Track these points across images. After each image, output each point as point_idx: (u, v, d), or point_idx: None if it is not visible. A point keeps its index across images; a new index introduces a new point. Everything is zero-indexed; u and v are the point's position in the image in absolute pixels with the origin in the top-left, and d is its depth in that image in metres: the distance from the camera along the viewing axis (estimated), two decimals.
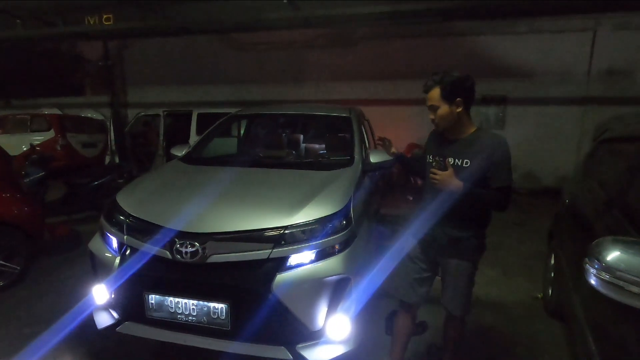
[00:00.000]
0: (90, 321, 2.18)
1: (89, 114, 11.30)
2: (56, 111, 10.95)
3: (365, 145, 3.20)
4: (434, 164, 1.74)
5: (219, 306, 1.84)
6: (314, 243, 1.91)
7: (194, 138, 7.69)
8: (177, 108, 8.94)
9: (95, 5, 5.60)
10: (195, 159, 2.99)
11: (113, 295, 2.05)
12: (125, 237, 2.04)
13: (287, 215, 1.95)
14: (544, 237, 3.55)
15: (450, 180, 1.61)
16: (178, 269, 1.90)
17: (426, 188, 1.88)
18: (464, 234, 1.74)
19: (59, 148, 9.12)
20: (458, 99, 1.66)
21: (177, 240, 1.88)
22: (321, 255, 1.92)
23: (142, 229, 2.02)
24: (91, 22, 5.82)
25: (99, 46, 10.90)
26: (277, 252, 1.86)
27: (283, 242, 1.89)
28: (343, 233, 1.99)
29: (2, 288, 3.18)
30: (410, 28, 8.50)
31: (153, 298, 1.93)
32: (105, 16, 5.72)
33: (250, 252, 1.86)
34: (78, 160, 9.38)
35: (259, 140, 3.76)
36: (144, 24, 6.22)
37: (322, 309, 1.88)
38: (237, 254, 1.86)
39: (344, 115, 3.38)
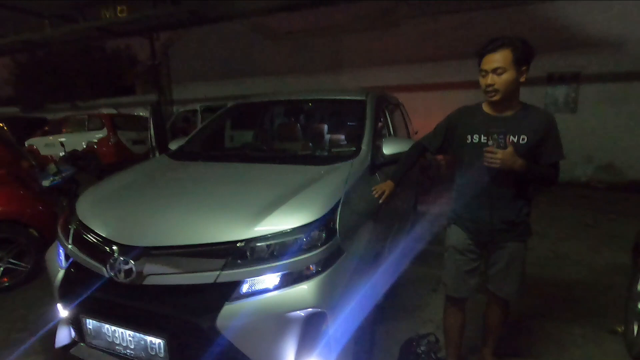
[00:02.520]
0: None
1: (140, 112, 11.92)
2: (112, 111, 11.67)
3: (379, 134, 2.61)
4: (490, 142, 1.52)
5: (156, 341, 1.45)
6: (278, 264, 1.43)
7: (228, 132, 7.60)
8: (215, 102, 8.93)
9: None
10: (185, 153, 2.65)
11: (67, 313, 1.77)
12: (69, 246, 1.74)
13: (246, 225, 1.49)
14: (626, 245, 2.67)
15: (513, 159, 1.48)
16: (116, 290, 1.54)
17: (467, 171, 1.69)
18: (518, 215, 1.65)
19: (111, 144, 9.75)
20: (524, 67, 1.53)
21: (115, 254, 1.52)
22: (288, 280, 1.44)
23: (84, 238, 1.69)
24: (107, 15, 5.88)
25: (147, 46, 11.32)
26: (227, 274, 1.41)
27: (237, 262, 1.43)
28: (321, 250, 1.48)
29: (11, 287, 3.16)
30: (460, 1, 7.50)
31: (90, 323, 1.60)
32: (119, 8, 5.73)
33: (193, 274, 1.43)
34: (128, 156, 9.89)
35: (261, 132, 3.34)
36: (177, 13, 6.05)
37: (287, 353, 1.40)
38: (176, 275, 1.45)
39: (359, 98, 2.81)
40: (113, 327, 1.53)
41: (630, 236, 2.51)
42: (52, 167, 5.07)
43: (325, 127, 3.14)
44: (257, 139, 3.23)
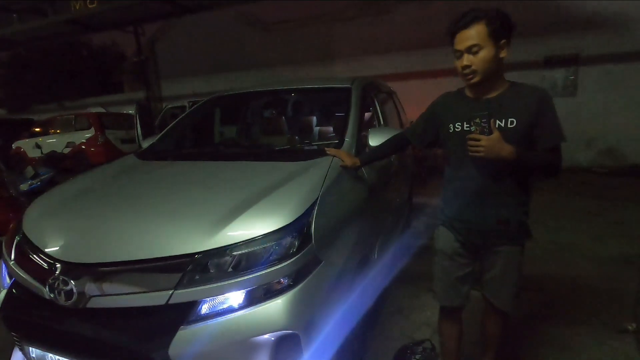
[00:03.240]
0: None
1: (129, 110, 11.64)
2: (100, 110, 11.40)
3: (366, 125, 2.39)
4: (473, 128, 1.32)
5: None
6: (241, 279, 1.22)
7: (217, 127, 7.38)
8: (203, 98, 8.69)
9: None
10: (155, 152, 2.43)
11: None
12: (11, 262, 1.53)
13: (203, 235, 1.28)
14: (633, 234, 2.48)
15: (500, 145, 1.27)
16: (58, 314, 1.33)
17: (455, 164, 1.50)
18: (513, 213, 1.44)
19: (99, 144, 9.52)
20: (503, 40, 1.32)
21: (56, 273, 1.31)
22: (254, 298, 1.23)
23: (26, 253, 1.48)
24: (76, 7, 5.59)
25: (134, 41, 10.99)
26: (181, 294, 1.21)
27: (193, 278, 1.23)
28: (291, 260, 1.28)
29: None
30: None
31: (34, 352, 1.40)
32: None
33: (142, 295, 1.23)
34: (118, 155, 9.66)
35: (239, 126, 3.11)
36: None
37: None
38: (123, 296, 1.24)
39: (344, 86, 2.58)
40: (57, 357, 1.33)
41: (636, 224, 2.32)
42: (30, 170, 4.86)
43: (313, 119, 2.92)
44: (235, 134, 3.00)
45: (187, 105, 8.13)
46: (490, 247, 1.50)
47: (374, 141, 2.08)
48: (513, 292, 1.55)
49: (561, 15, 6.82)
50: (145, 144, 2.69)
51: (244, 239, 1.28)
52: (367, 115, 3.96)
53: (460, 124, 1.43)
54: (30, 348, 1.40)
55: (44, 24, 6.18)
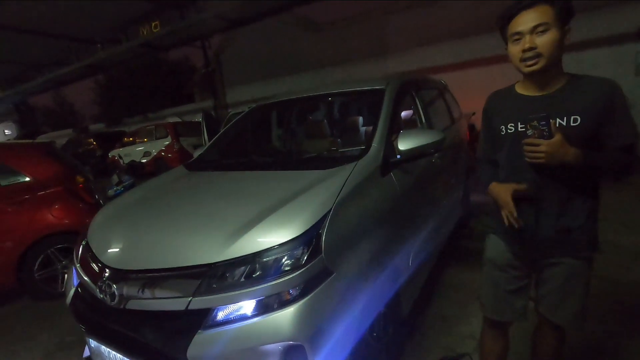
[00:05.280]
0: None
1: (200, 118, 12.72)
2: (176, 119, 12.65)
3: (400, 128, 2.31)
4: (529, 132, 1.19)
5: None
6: (251, 289, 1.29)
7: (265, 134, 7.73)
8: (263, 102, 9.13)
9: (137, 16, 5.95)
10: (200, 163, 2.65)
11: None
12: (77, 264, 1.81)
13: (219, 246, 1.38)
14: None
15: (564, 150, 1.14)
16: (107, 312, 1.54)
17: (508, 168, 1.36)
18: (576, 221, 1.27)
19: (175, 150, 10.60)
20: (567, 26, 1.19)
21: (104, 277, 1.53)
22: (265, 307, 1.29)
23: (87, 258, 1.74)
24: (144, 33, 6.27)
25: (201, 55, 11.99)
26: (199, 301, 1.32)
27: (210, 286, 1.33)
28: (300, 271, 1.31)
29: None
30: None
31: (92, 342, 1.64)
32: (153, 24, 6.07)
33: (166, 300, 1.36)
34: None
35: (273, 135, 3.20)
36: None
37: None
38: (150, 300, 1.39)
39: (377, 88, 2.52)
40: (108, 349, 1.55)
41: None
42: (115, 178, 5.60)
43: (346, 123, 2.90)
44: (269, 143, 3.11)
45: (247, 110, 8.65)
46: (548, 258, 1.34)
47: (403, 145, 2.01)
48: (577, 309, 1.36)
49: None
50: (196, 154, 2.94)
51: (255, 251, 1.34)
52: (407, 114, 3.80)
53: (513, 124, 1.30)
54: (90, 340, 1.64)
55: (122, 50, 7.15)
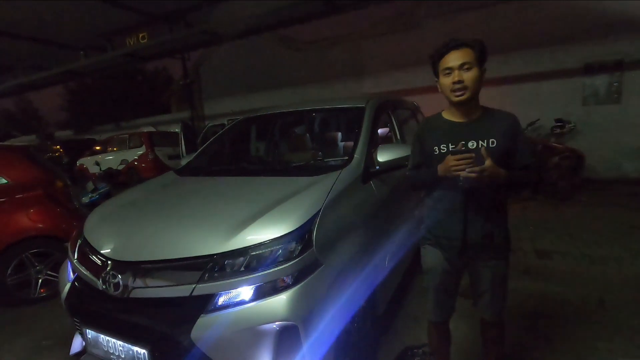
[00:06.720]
0: None
1: (176, 129, 12.63)
2: (151, 129, 12.47)
3: (380, 141, 2.57)
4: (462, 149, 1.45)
5: (141, 351, 1.52)
6: (251, 276, 1.46)
7: (254, 144, 7.87)
8: (238, 116, 9.27)
9: (125, 27, 6.05)
10: (190, 169, 2.79)
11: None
12: (75, 260, 1.89)
13: (221, 239, 1.54)
14: None
15: (496, 170, 1.37)
16: (108, 302, 1.64)
17: (441, 184, 1.55)
18: (496, 227, 1.54)
19: (149, 160, 10.42)
20: (483, 67, 1.48)
21: (107, 269, 1.63)
22: (262, 293, 1.46)
23: (86, 253, 1.83)
24: (131, 43, 6.36)
25: (181, 67, 12.02)
26: (202, 287, 1.46)
27: (212, 275, 1.48)
28: (293, 262, 1.49)
29: (48, 297, 3.44)
30: None
31: (90, 333, 1.71)
32: (141, 35, 6.19)
33: (171, 287, 1.50)
34: (165, 170, 10.48)
35: (262, 145, 3.40)
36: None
37: None
38: (155, 289, 1.52)
39: (358, 106, 2.79)
40: (107, 337, 1.64)
41: None
42: (90, 185, 5.52)
43: (329, 137, 3.15)
44: (258, 152, 3.30)
45: (225, 123, 8.75)
46: (476, 261, 1.59)
47: (382, 157, 2.26)
48: (503, 304, 1.65)
49: (603, 19, 6.55)
50: (184, 162, 3.06)
51: (253, 243, 1.51)
52: (383, 131, 4.12)
53: (445, 145, 1.51)
54: (87, 330, 1.72)
55: (106, 58, 7.14)
